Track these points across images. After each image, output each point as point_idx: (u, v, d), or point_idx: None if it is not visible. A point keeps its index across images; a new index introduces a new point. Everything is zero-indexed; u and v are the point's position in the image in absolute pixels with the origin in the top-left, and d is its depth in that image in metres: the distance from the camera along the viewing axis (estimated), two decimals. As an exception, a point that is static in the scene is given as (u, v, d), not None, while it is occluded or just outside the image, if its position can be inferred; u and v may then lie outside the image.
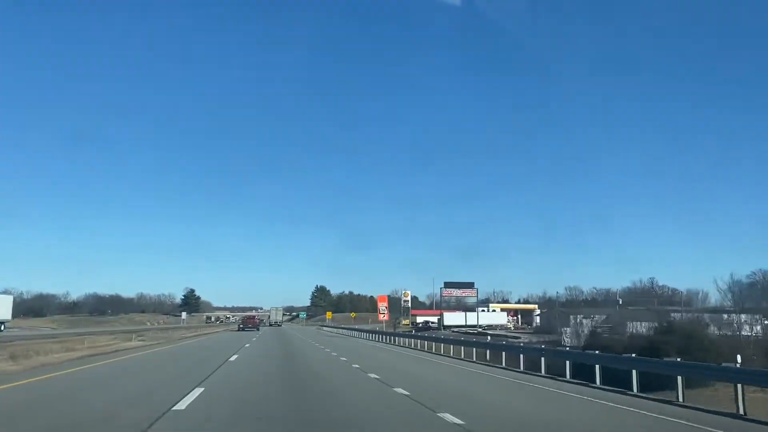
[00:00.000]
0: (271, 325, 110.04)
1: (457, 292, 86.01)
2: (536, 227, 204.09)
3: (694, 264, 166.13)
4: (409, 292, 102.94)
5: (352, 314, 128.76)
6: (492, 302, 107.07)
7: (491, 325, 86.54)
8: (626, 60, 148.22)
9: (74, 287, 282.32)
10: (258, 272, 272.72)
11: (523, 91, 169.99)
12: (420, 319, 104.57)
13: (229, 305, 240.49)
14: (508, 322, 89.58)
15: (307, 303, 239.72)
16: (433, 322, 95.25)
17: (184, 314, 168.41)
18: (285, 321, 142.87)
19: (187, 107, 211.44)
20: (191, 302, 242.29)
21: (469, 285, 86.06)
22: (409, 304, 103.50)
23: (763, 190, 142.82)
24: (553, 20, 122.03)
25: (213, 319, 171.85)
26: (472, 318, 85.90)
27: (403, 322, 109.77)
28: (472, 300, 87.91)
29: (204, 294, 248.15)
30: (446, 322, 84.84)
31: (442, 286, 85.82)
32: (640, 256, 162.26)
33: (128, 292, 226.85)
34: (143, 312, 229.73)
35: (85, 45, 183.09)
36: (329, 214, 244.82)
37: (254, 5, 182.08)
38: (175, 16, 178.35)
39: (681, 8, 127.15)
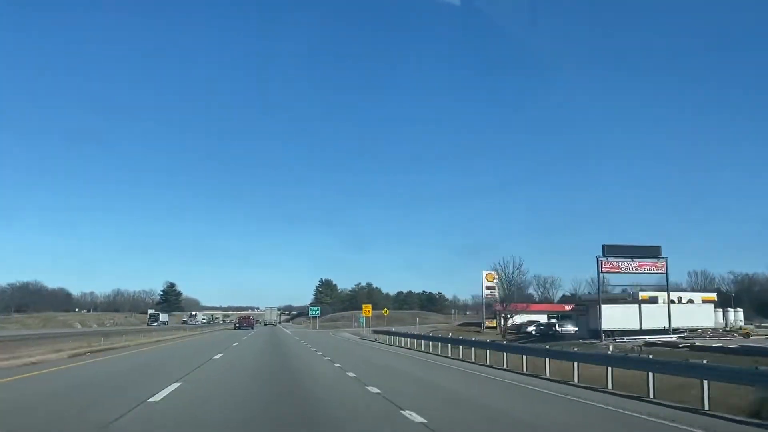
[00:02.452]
0: (266, 324, 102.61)
1: (630, 264, 41.77)
2: (538, 226, 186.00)
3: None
4: (494, 274, 58.92)
5: (385, 311, 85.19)
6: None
7: (696, 329, 42.66)
8: (626, 59, 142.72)
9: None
10: (255, 272, 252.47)
11: (523, 90, 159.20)
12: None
13: (224, 305, 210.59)
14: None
15: (308, 301, 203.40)
16: (560, 325, 51.09)
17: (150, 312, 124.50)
18: (284, 320, 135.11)
19: (185, 105, 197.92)
20: (171, 299, 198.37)
21: (654, 251, 41.86)
22: (497, 293, 59.25)
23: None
24: (554, 19, 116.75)
25: (155, 319, 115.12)
26: (652, 316, 42.14)
27: (487, 323, 65.19)
28: (658, 278, 43.84)
29: (198, 294, 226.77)
30: (606, 324, 40.90)
31: (600, 254, 41.55)
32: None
33: (104, 289, 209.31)
34: (117, 311, 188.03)
35: (84, 44, 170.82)
36: (328, 212, 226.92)
37: (254, 4, 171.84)
38: (174, 15, 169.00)
39: (681, 7, 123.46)
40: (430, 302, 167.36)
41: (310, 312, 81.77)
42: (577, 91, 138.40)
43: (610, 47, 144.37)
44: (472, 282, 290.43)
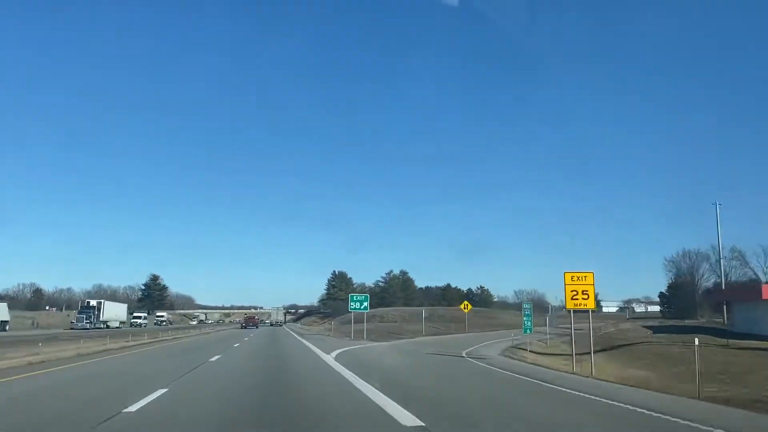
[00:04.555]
0: (272, 324, 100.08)
1: None
2: (537, 225, 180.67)
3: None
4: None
5: (465, 305, 51.11)
6: None
7: None
8: (625, 59, 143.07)
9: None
10: (256, 271, 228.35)
11: (522, 89, 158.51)
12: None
13: (227, 304, 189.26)
14: None
15: (316, 298, 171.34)
16: None
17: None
18: (289, 320, 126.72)
19: (184, 104, 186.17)
20: (154, 294, 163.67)
21: None
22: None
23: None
24: (551, 19, 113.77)
25: None
26: None
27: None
28: None
29: (198, 294, 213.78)
30: None
31: None
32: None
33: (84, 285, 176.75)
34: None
35: (83, 44, 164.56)
36: (329, 211, 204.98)
37: (253, 3, 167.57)
38: (173, 15, 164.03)
39: (679, 6, 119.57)
40: (471, 299, 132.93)
41: (354, 304, 38.38)
42: (577, 90, 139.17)
43: (608, 46, 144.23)
44: (496, 279, 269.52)
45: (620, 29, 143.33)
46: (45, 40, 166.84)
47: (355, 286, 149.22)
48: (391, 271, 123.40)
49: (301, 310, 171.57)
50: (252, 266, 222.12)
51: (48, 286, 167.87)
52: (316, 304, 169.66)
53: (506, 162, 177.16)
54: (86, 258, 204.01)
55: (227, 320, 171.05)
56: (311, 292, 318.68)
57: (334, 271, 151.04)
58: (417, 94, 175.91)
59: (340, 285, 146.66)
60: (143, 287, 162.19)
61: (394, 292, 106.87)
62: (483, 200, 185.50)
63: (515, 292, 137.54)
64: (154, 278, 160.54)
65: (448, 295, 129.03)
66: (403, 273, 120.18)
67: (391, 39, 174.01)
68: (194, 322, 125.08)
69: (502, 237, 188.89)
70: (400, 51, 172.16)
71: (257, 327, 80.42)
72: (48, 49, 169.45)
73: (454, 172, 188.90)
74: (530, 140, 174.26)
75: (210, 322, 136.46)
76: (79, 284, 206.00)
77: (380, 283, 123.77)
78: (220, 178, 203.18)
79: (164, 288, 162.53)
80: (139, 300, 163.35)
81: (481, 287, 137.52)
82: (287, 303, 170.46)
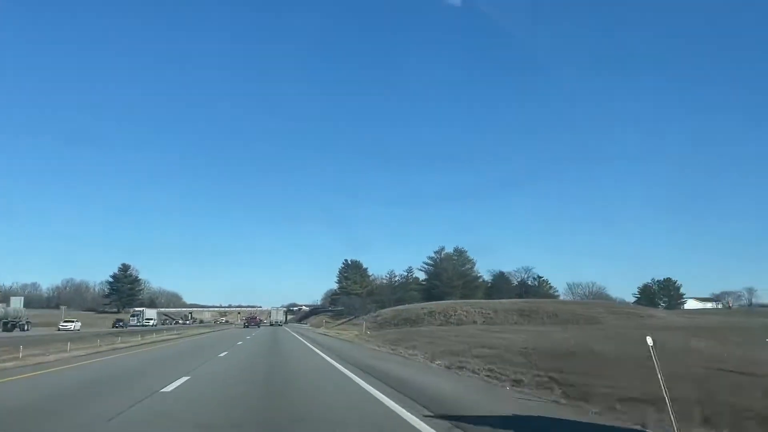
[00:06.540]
0: (272, 324, 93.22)
1: None
2: (536, 226, 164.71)
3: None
4: None
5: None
6: None
7: None
8: (626, 60, 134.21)
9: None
10: (256, 270, 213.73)
11: (523, 90, 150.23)
12: None
13: (224, 303, 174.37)
14: None
15: (317, 300, 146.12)
16: None
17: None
18: (290, 320, 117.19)
19: (184, 101, 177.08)
20: (123, 288, 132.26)
21: None
22: None
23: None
24: (553, 20, 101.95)
25: None
26: None
27: None
28: None
29: (192, 293, 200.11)
30: None
31: None
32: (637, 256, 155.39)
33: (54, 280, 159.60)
34: (57, 307, 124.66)
35: (84, 45, 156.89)
36: (329, 211, 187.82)
37: (254, 4, 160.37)
38: (173, 16, 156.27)
39: (680, 9, 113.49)
40: (526, 290, 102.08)
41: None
42: (578, 91, 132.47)
43: (610, 48, 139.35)
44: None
45: (625, 31, 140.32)
46: (42, 36, 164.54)
47: (371, 278, 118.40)
48: (443, 249, 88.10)
49: (306, 308, 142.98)
50: (250, 265, 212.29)
51: (8, 280, 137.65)
52: (319, 303, 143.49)
53: (507, 164, 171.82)
54: (70, 254, 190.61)
55: (213, 320, 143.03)
56: (312, 291, 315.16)
57: (346, 260, 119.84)
58: (420, 93, 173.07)
59: (354, 277, 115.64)
60: (111, 279, 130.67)
61: (449, 279, 73.53)
62: (482, 203, 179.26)
63: (568, 285, 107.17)
64: (124, 269, 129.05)
65: (501, 287, 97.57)
66: (459, 252, 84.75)
67: (392, 42, 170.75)
68: (71, 327, 66.94)
69: (500, 240, 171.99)
70: (402, 54, 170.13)
71: (258, 326, 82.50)
72: (46, 45, 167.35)
73: (455, 174, 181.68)
74: (532, 141, 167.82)
75: (153, 322, 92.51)
76: (50, 280, 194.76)
77: (427, 267, 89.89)
78: (216, 176, 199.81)
79: (136, 280, 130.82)
80: (106, 296, 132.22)
81: (539, 277, 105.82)
82: (286, 302, 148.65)
